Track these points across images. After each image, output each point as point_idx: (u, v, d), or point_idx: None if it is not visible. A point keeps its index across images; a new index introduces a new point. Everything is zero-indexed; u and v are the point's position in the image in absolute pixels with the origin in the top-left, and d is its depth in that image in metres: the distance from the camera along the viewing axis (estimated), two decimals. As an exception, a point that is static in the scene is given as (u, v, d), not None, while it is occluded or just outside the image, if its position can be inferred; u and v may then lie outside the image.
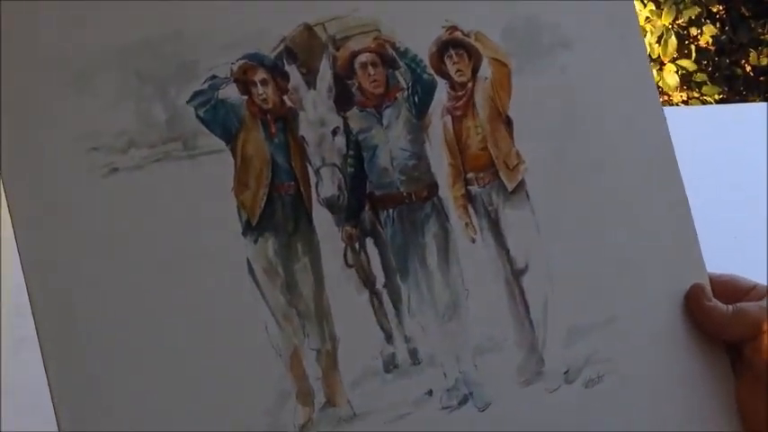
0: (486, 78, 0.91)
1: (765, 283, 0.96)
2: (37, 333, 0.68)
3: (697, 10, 5.44)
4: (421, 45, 0.88)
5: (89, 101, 0.74)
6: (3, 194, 0.69)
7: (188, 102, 0.77)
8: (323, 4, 0.84)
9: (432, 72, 0.88)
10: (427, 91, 0.88)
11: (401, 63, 0.87)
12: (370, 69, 0.86)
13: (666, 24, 5.33)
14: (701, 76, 5.66)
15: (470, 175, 0.89)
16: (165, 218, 0.75)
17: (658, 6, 5.40)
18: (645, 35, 5.33)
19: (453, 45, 0.90)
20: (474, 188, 0.89)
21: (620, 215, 0.93)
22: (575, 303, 0.89)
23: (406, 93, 0.87)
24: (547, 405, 0.87)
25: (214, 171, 0.77)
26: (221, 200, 0.77)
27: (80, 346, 0.71)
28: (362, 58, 0.86)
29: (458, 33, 0.90)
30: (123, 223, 0.74)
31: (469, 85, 0.90)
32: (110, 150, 0.74)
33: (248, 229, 0.78)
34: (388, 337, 0.81)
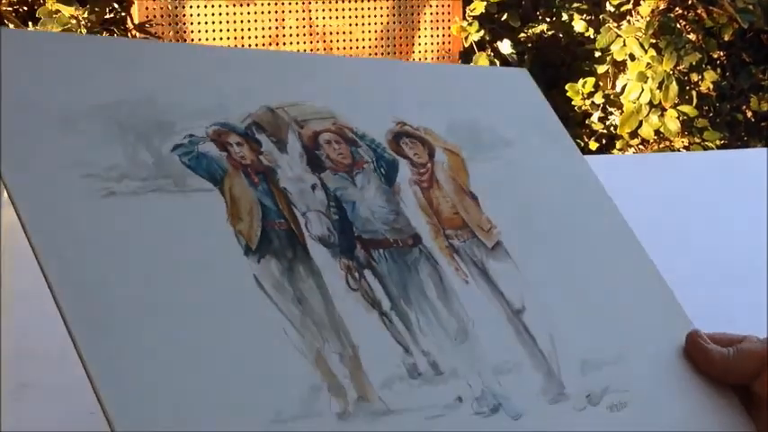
0: (443, 162, 0.95)
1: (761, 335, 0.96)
2: (73, 342, 0.64)
3: (698, 56, 5.56)
4: (376, 133, 0.92)
5: (76, 140, 0.75)
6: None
7: (171, 151, 0.79)
8: (279, 90, 0.89)
9: (392, 153, 0.92)
10: (391, 168, 0.91)
11: (361, 143, 0.91)
12: (335, 145, 0.89)
13: (667, 70, 5.41)
14: (702, 122, 5.69)
15: (449, 232, 0.90)
16: (166, 236, 0.74)
17: (659, 52, 5.50)
18: (646, 81, 5.38)
19: (406, 135, 0.95)
20: (455, 242, 0.90)
21: (594, 276, 0.96)
22: (581, 340, 0.89)
23: (372, 165, 0.90)
24: (578, 422, 0.83)
25: (208, 205, 0.77)
26: (219, 227, 0.77)
27: (114, 346, 0.66)
28: (325, 136, 0.89)
29: (407, 127, 0.95)
30: (127, 239, 0.72)
31: (428, 165, 0.94)
32: (104, 179, 0.74)
33: (249, 251, 0.77)
34: (406, 350, 0.78)
